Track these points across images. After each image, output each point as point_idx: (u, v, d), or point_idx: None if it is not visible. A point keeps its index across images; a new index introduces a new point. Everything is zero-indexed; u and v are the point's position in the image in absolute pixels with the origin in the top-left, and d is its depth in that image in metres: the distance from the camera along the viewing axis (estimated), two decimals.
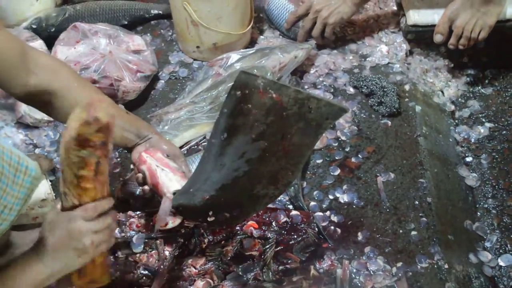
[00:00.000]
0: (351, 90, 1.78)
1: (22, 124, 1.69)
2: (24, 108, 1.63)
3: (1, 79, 1.09)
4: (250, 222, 1.34)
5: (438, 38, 1.76)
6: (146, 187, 1.22)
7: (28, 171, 0.95)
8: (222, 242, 1.31)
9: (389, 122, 1.67)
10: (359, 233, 1.38)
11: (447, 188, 1.55)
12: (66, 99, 1.16)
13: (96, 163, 0.97)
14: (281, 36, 2.00)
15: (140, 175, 1.22)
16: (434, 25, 1.79)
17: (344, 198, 1.47)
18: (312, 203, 1.46)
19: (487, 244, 1.46)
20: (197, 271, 1.27)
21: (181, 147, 1.62)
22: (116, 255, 1.29)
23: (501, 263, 1.41)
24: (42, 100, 1.16)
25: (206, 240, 1.31)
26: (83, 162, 0.96)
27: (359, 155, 1.58)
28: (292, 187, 1.45)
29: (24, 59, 1.11)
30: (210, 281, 1.25)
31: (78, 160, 0.95)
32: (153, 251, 1.31)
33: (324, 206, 1.46)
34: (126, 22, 2.01)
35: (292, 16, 1.91)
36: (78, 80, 1.20)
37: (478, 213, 1.55)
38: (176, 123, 1.61)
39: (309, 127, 1.01)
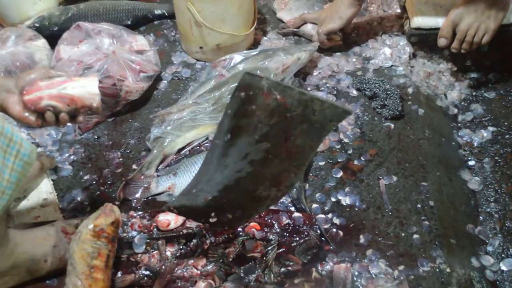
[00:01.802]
0: (354, 92, 1.78)
1: (24, 124, 1.68)
2: None
3: None
4: (252, 224, 1.34)
5: (442, 42, 1.76)
6: (64, 116, 1.16)
7: (20, 155, 0.95)
8: (224, 243, 1.31)
9: (392, 125, 1.67)
10: (361, 236, 1.38)
11: (449, 192, 1.55)
12: None
13: (107, 255, 1.17)
14: (284, 38, 2.01)
15: (48, 113, 1.14)
16: (437, 28, 1.79)
17: (346, 200, 1.47)
18: (314, 205, 1.46)
19: (489, 248, 1.46)
20: (198, 272, 1.27)
21: (183, 148, 1.62)
22: (118, 255, 1.28)
23: (503, 268, 1.41)
24: None
25: (208, 241, 1.31)
26: (96, 252, 1.15)
27: (361, 158, 1.58)
28: (295, 189, 1.45)
29: None
30: (212, 282, 1.25)
31: (93, 250, 1.15)
32: (155, 252, 1.31)
33: (326, 208, 1.45)
34: (129, 22, 2.01)
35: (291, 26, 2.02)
36: None
37: (481, 217, 1.55)
38: (178, 123, 1.61)
39: (313, 129, 1.01)
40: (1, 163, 0.91)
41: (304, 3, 2.10)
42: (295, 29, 2.00)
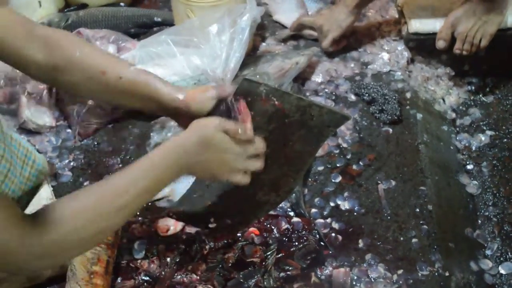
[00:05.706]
0: (353, 97, 1.78)
1: (24, 130, 1.69)
2: (26, 114, 1.64)
3: (13, 58, 0.99)
4: (251, 229, 1.34)
5: (440, 44, 1.77)
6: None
7: (35, 165, 0.96)
8: (224, 249, 1.31)
9: (390, 130, 1.67)
10: (360, 240, 1.38)
11: (448, 196, 1.55)
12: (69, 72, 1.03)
13: (107, 261, 1.17)
14: (282, 44, 2.01)
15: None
16: (435, 33, 1.80)
17: (345, 205, 1.47)
18: (313, 210, 1.46)
19: (488, 252, 1.46)
20: (198, 277, 1.27)
21: None
22: (118, 261, 1.29)
23: (502, 271, 1.41)
24: (51, 76, 1.03)
25: (207, 247, 1.31)
26: (96, 258, 1.15)
27: (360, 163, 1.58)
28: (294, 194, 1.45)
29: (32, 36, 0.99)
30: (211, 287, 1.25)
31: (92, 256, 1.15)
32: (154, 257, 1.31)
33: (325, 213, 1.46)
34: (128, 29, 2.01)
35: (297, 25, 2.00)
36: (81, 48, 1.05)
37: (479, 221, 1.55)
38: (179, 130, 1.61)
39: (311, 134, 1.02)
40: (19, 173, 0.92)
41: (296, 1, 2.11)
42: (294, 32, 2.00)
